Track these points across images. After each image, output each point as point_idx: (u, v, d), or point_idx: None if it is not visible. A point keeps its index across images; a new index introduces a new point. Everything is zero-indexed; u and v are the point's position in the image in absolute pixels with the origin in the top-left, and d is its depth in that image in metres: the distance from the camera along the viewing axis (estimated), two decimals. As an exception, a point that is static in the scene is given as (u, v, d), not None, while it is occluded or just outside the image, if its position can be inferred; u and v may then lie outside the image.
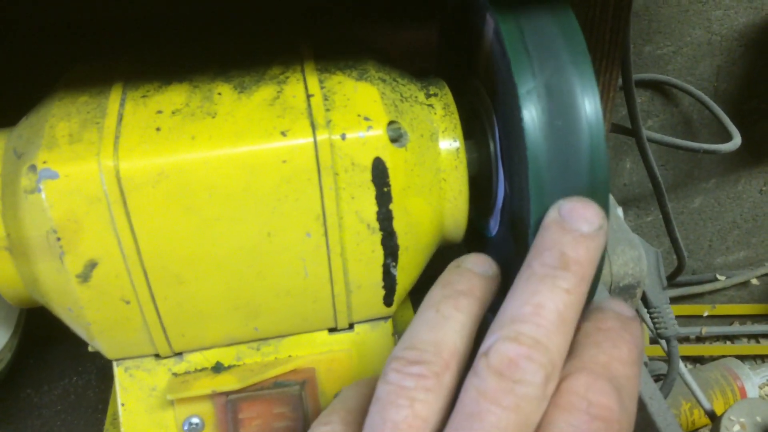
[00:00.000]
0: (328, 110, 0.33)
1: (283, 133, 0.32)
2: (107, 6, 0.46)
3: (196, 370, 0.36)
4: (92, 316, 0.33)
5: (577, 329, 0.28)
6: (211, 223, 0.32)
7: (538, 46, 0.32)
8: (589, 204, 0.30)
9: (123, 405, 0.36)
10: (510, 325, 0.26)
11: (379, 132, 0.33)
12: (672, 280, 0.88)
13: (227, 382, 0.35)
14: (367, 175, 0.33)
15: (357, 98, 0.34)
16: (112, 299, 0.33)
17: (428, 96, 0.38)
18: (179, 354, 0.36)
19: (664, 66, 0.86)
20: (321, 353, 0.37)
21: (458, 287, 0.31)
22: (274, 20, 0.47)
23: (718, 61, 0.87)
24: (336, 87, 0.35)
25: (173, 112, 0.33)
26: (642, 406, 0.46)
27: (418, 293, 0.44)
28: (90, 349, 0.35)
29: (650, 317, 0.69)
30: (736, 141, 0.77)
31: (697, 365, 1.12)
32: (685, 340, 1.14)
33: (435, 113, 0.37)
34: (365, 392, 0.30)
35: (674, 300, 1.08)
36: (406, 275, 0.37)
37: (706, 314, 1.11)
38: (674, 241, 0.81)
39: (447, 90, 0.38)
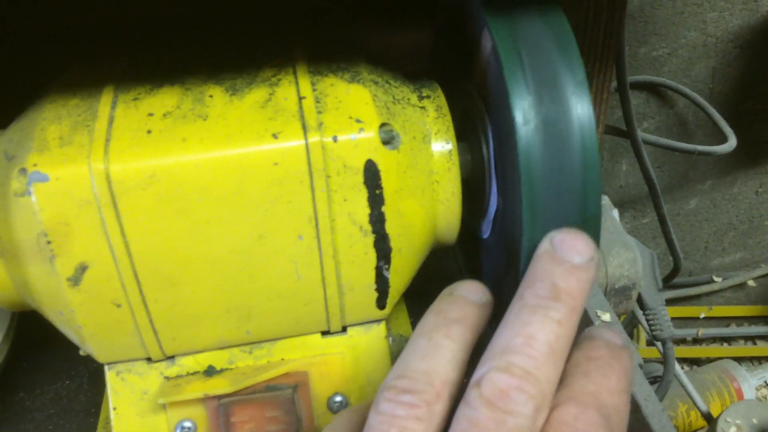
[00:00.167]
0: (319, 112, 0.33)
1: (275, 136, 0.32)
2: (100, 8, 0.46)
3: (188, 374, 0.36)
4: (83, 319, 0.33)
5: (568, 358, 0.29)
6: (203, 226, 0.32)
7: (537, 72, 0.32)
8: (580, 236, 0.30)
9: (115, 409, 0.36)
10: (502, 356, 0.27)
11: (371, 134, 0.33)
12: (668, 282, 0.88)
13: (219, 386, 0.35)
14: (359, 178, 0.33)
15: (349, 100, 0.34)
16: (103, 302, 0.33)
17: (421, 98, 0.38)
18: (171, 357, 0.36)
19: (659, 68, 0.86)
20: (314, 356, 0.37)
21: (450, 315, 0.31)
22: (266, 22, 0.47)
23: (713, 63, 0.87)
24: (328, 89, 0.35)
25: (164, 115, 0.33)
26: (637, 408, 0.45)
27: (412, 296, 0.44)
28: (81, 352, 0.35)
29: (646, 319, 0.68)
30: (732, 143, 0.77)
31: (694, 367, 1.12)
32: (681, 341, 1.13)
33: (428, 115, 0.37)
34: (357, 420, 0.30)
35: (670, 302, 1.08)
36: (399, 278, 0.37)
37: (702, 316, 1.11)
38: (670, 243, 0.81)
39: (440, 92, 0.38)
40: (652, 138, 0.78)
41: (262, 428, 0.36)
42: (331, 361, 0.37)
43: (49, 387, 0.45)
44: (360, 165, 0.33)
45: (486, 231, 0.39)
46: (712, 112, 0.83)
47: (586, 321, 0.51)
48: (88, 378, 0.45)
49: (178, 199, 0.31)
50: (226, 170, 0.32)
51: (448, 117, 0.37)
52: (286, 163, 0.32)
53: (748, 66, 0.87)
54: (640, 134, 0.73)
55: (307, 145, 0.32)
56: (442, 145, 0.36)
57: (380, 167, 0.33)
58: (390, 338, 0.44)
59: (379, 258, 0.35)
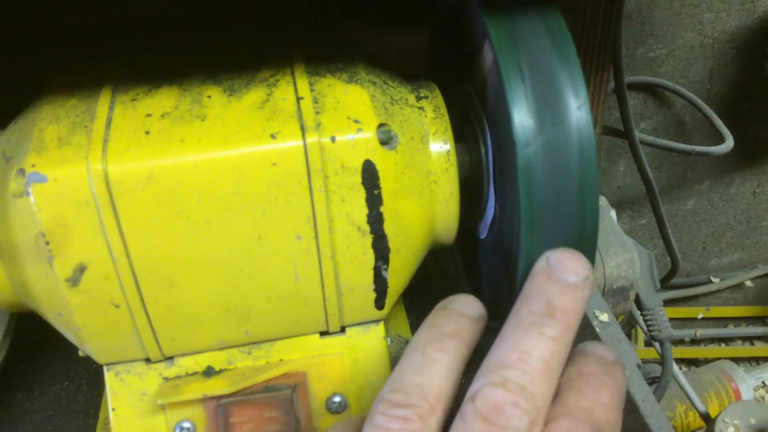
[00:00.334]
0: (317, 113, 0.33)
1: (273, 136, 0.32)
2: (99, 9, 0.46)
3: (187, 375, 0.36)
4: (82, 320, 0.33)
5: (562, 374, 0.29)
6: (201, 227, 0.32)
7: (539, 90, 0.32)
8: (576, 255, 0.31)
9: (114, 410, 0.36)
10: (497, 371, 0.27)
11: (369, 134, 0.33)
12: (666, 283, 0.88)
13: (218, 387, 0.35)
14: (357, 178, 0.33)
15: (347, 101, 0.34)
16: (101, 303, 0.33)
17: (419, 99, 0.38)
18: (170, 358, 0.36)
19: (656, 68, 0.86)
20: (312, 357, 0.37)
21: (444, 329, 0.31)
22: (264, 23, 0.47)
23: (710, 64, 0.87)
24: (326, 90, 0.35)
25: (162, 116, 0.33)
26: (635, 408, 0.45)
27: (410, 296, 0.44)
28: (80, 353, 0.35)
29: (644, 320, 0.69)
30: (729, 143, 0.77)
31: (692, 368, 1.12)
32: (679, 342, 1.14)
33: (425, 116, 0.37)
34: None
35: (668, 302, 1.08)
36: (397, 278, 0.37)
37: (700, 316, 1.11)
38: (668, 244, 0.81)
39: (438, 93, 0.38)
40: (650, 139, 0.78)
41: (261, 428, 0.36)
42: (329, 361, 0.37)
43: (48, 388, 0.45)
44: (358, 165, 0.33)
45: (483, 232, 0.39)
46: (709, 113, 0.83)
47: (584, 322, 0.51)
48: (87, 379, 0.45)
49: (177, 199, 0.31)
50: (224, 171, 0.32)
51: (446, 117, 0.37)
52: (284, 164, 0.32)
53: (745, 66, 0.87)
54: (638, 135, 0.73)
55: (305, 145, 0.32)
56: (440, 146, 0.37)
57: (378, 167, 0.33)
58: (388, 339, 0.44)
59: (377, 258, 0.35)
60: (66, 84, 0.36)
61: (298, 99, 0.34)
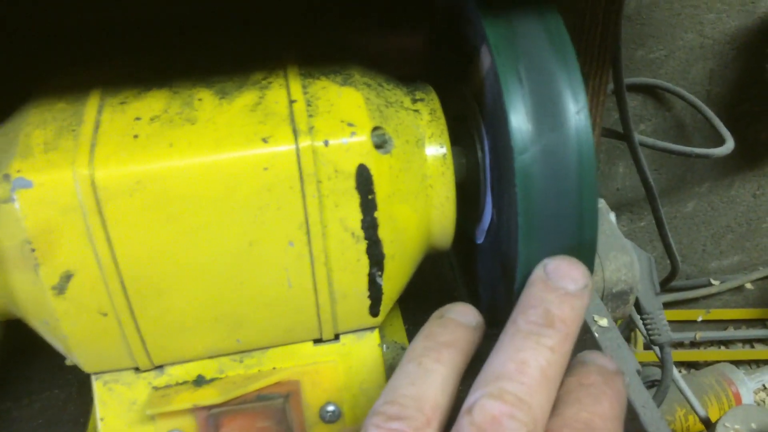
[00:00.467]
0: (311, 116, 0.33)
1: (265, 140, 0.31)
2: (90, 10, 0.45)
3: (177, 384, 0.35)
4: (69, 329, 0.32)
5: (561, 384, 0.29)
6: (191, 233, 0.31)
7: (538, 95, 0.31)
8: (574, 263, 0.30)
9: (102, 419, 0.35)
10: (494, 382, 0.27)
11: (363, 138, 0.32)
12: (665, 286, 0.88)
13: (209, 396, 0.34)
14: (351, 183, 0.32)
15: (341, 104, 0.33)
16: (88, 312, 0.32)
17: (414, 101, 0.37)
18: (160, 367, 0.35)
19: (656, 70, 0.85)
20: (306, 365, 0.36)
21: (441, 339, 0.30)
22: (259, 24, 0.46)
23: (710, 65, 0.86)
24: (320, 92, 0.34)
25: (152, 119, 0.32)
26: (635, 416, 0.45)
27: (406, 302, 0.43)
28: (67, 362, 0.34)
29: (644, 323, 0.68)
30: (729, 145, 0.77)
31: (692, 371, 1.12)
32: (679, 345, 1.13)
33: (421, 119, 0.36)
34: None
35: (668, 305, 1.08)
36: (392, 284, 0.36)
37: (700, 319, 1.11)
38: (667, 246, 0.81)
39: (434, 95, 0.38)
40: (650, 141, 0.77)
41: (252, 439, 0.35)
42: (323, 369, 0.36)
43: (37, 396, 0.44)
44: (352, 170, 0.32)
45: (480, 237, 0.38)
46: (709, 115, 0.82)
47: (583, 327, 0.51)
48: (77, 387, 0.44)
49: (166, 205, 0.31)
50: (215, 176, 0.31)
51: (443, 120, 0.36)
52: (276, 168, 0.31)
53: (745, 67, 0.87)
54: (637, 137, 0.73)
55: (297, 149, 0.31)
56: (436, 149, 0.36)
57: (372, 172, 0.32)
58: (384, 345, 0.43)
59: (371, 264, 0.34)
60: (54, 87, 0.35)
61: (291, 102, 0.33)
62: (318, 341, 0.37)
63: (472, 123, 0.37)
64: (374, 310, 0.36)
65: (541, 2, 0.33)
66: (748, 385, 0.98)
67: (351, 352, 0.37)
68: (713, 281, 1.08)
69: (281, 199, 0.32)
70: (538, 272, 0.30)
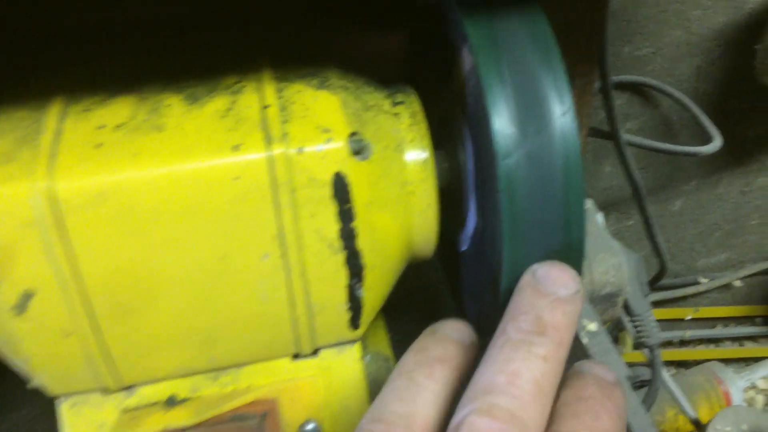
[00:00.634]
0: (284, 122, 0.31)
1: (235, 148, 0.30)
2: (55, 12, 0.43)
3: (147, 405, 0.34)
4: (30, 350, 0.30)
5: (556, 397, 0.27)
6: (159, 247, 0.30)
7: (522, 97, 0.30)
8: (565, 268, 0.29)
9: (70, 443, 0.34)
10: (483, 397, 0.25)
11: (340, 144, 0.31)
12: (654, 285, 0.87)
13: (181, 417, 0.33)
14: (327, 191, 0.31)
15: (316, 108, 0.32)
16: (51, 332, 0.30)
17: (394, 104, 0.36)
18: (129, 387, 0.34)
19: (643, 67, 0.84)
20: (283, 382, 0.35)
21: (433, 354, 0.28)
22: (233, 27, 0.44)
23: (697, 62, 0.85)
24: (294, 96, 0.32)
25: (117, 127, 0.31)
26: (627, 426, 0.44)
27: (390, 310, 0.42)
28: (30, 385, 0.32)
29: (633, 325, 0.67)
30: (717, 143, 0.76)
31: (681, 370, 1.11)
32: (668, 344, 1.12)
33: (401, 122, 0.35)
34: None
35: (657, 304, 1.07)
36: (373, 296, 0.34)
37: (689, 318, 1.10)
38: (656, 245, 0.80)
39: (415, 98, 0.36)
40: (636, 139, 0.76)
41: (228, 460, 0.33)
42: (301, 386, 0.35)
43: (6, 416, 0.42)
44: (328, 177, 0.31)
45: (465, 244, 0.37)
46: (696, 112, 0.81)
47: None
48: (47, 406, 0.42)
49: (131, 218, 0.29)
50: (183, 186, 0.29)
51: (424, 124, 0.35)
52: (248, 178, 0.30)
53: (732, 64, 0.86)
54: (624, 136, 0.72)
55: (270, 157, 0.30)
56: (417, 154, 0.34)
57: (350, 179, 0.31)
58: (367, 356, 0.42)
59: (350, 276, 0.33)
60: (14, 95, 0.33)
61: (264, 107, 0.32)
62: (296, 356, 0.35)
63: (455, 126, 0.36)
64: (355, 323, 0.35)
65: (525, 0, 0.32)
66: (737, 384, 0.97)
67: (331, 366, 0.36)
68: (701, 279, 1.07)
69: (254, 210, 0.30)
70: (527, 278, 0.29)
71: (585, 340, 0.50)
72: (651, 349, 0.68)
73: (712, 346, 1.14)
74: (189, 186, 0.29)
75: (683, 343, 1.13)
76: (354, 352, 0.36)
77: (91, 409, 0.33)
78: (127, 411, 0.33)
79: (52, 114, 0.31)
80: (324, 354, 0.35)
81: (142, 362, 0.32)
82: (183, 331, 0.32)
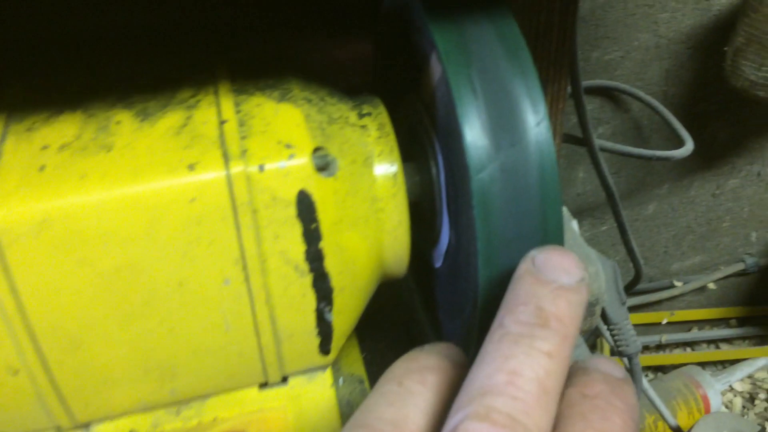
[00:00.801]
0: (244, 138, 0.29)
1: (191, 167, 0.28)
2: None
3: (104, 444, 0.31)
4: (-28, 391, 0.28)
5: (560, 396, 0.24)
6: (109, 276, 0.28)
7: (494, 107, 0.28)
8: (566, 253, 0.25)
9: (21, 487, 0.31)
10: (480, 399, 0.21)
11: (303, 161, 0.29)
12: (629, 290, 0.86)
13: (140, 456, 0.30)
14: (292, 211, 0.29)
15: (278, 122, 0.30)
16: (-5, 370, 0.28)
17: (361, 116, 0.34)
18: (85, 425, 0.31)
19: (612, 71, 0.83)
20: (251, 413, 0.33)
21: (425, 363, 0.25)
22: (187, 38, 0.42)
23: (666, 65, 0.85)
24: (254, 110, 0.31)
25: (61, 147, 0.28)
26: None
27: (362, 329, 0.40)
28: (-26, 428, 0.30)
29: (611, 334, 0.66)
30: (689, 146, 0.75)
31: (659, 374, 1.11)
32: (645, 348, 1.12)
33: (369, 135, 0.33)
34: None
35: (633, 309, 1.06)
36: (343, 319, 0.32)
37: (665, 321, 1.10)
38: (630, 251, 0.79)
39: (382, 108, 0.34)
40: (609, 145, 0.75)
41: (193, 500, 0.31)
42: (270, 417, 0.33)
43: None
44: (291, 196, 0.29)
45: (438, 261, 0.35)
46: (667, 116, 0.81)
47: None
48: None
49: (78, 246, 0.27)
50: (134, 210, 0.27)
51: (392, 136, 0.33)
52: (205, 199, 0.28)
53: (701, 66, 0.86)
54: (597, 142, 0.71)
55: (228, 176, 0.28)
56: (386, 168, 0.33)
57: (315, 198, 0.29)
58: (340, 379, 0.40)
59: (319, 299, 0.31)
60: (-50, 113, 0.31)
61: (221, 122, 0.30)
62: (264, 385, 0.33)
63: (425, 137, 0.34)
64: (325, 348, 0.33)
65: (494, 5, 0.30)
66: (715, 387, 0.96)
67: (301, 395, 0.34)
68: (676, 283, 1.07)
69: (213, 233, 0.28)
70: (525, 265, 0.25)
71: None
72: (630, 358, 0.67)
73: (688, 350, 1.14)
74: (141, 210, 0.27)
75: (660, 347, 1.12)
76: (325, 378, 0.34)
77: (42, 452, 0.31)
78: (81, 452, 0.31)
79: (-8, 135, 0.29)
80: (293, 382, 0.33)
81: (96, 398, 0.30)
82: (139, 364, 0.30)
